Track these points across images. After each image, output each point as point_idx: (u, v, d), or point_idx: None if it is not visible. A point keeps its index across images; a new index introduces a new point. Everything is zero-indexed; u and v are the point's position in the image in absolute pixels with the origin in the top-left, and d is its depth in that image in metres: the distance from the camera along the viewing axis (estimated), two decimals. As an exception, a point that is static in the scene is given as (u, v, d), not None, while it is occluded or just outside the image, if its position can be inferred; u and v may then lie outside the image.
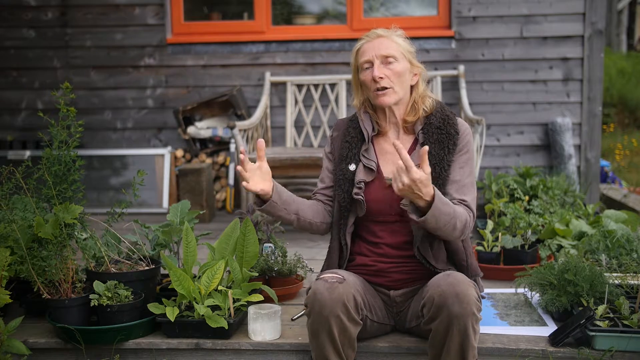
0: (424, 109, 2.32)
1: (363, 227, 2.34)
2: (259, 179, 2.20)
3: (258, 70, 5.08)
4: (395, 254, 2.29)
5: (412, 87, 2.32)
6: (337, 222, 2.37)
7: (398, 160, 1.97)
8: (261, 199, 2.25)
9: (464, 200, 2.22)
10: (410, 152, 2.31)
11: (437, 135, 2.27)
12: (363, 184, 2.28)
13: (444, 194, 2.21)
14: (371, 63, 2.26)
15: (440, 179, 2.23)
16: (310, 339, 2.12)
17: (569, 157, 4.79)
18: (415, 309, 2.26)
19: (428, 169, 1.98)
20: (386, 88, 2.25)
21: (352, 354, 2.14)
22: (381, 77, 2.23)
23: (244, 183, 2.14)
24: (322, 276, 2.13)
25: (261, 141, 2.20)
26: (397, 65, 2.25)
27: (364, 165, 2.31)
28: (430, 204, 2.01)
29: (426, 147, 1.97)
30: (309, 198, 2.45)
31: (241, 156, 2.14)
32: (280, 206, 2.26)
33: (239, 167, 2.15)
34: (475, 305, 2.00)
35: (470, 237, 2.38)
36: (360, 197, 2.27)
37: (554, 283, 2.55)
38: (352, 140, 2.35)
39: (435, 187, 2.03)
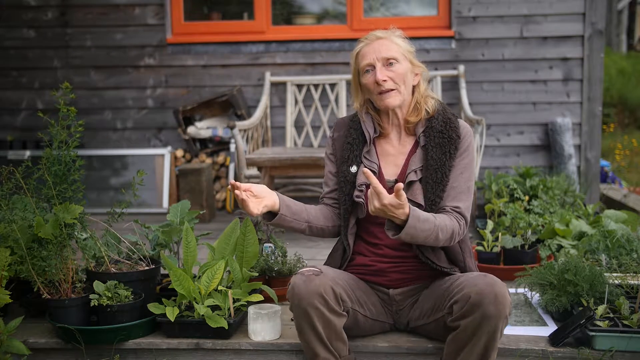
0: (426, 110, 2.31)
1: (363, 228, 2.34)
2: (255, 201, 2.17)
3: (258, 70, 5.08)
4: (395, 254, 2.29)
5: (413, 87, 2.32)
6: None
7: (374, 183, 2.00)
8: (270, 214, 2.25)
9: (457, 208, 2.22)
10: (411, 154, 2.31)
11: (439, 139, 2.26)
12: (364, 186, 2.27)
13: (440, 198, 2.21)
14: (373, 66, 2.24)
15: (441, 184, 2.22)
16: (298, 335, 2.14)
17: (569, 157, 4.79)
18: (425, 308, 2.26)
19: (403, 196, 1.99)
20: (390, 90, 2.24)
21: (344, 347, 2.14)
22: (385, 80, 2.22)
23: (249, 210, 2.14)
24: (300, 271, 2.14)
25: (234, 183, 2.13)
26: (399, 66, 2.24)
27: (366, 167, 2.30)
28: (405, 222, 2.04)
29: (400, 185, 1.98)
30: (309, 198, 2.45)
31: (237, 192, 2.12)
32: (290, 217, 2.26)
33: (244, 201, 2.13)
34: (509, 309, 2.02)
35: (469, 237, 2.38)
36: (361, 200, 2.26)
37: (554, 283, 2.55)
38: (353, 141, 2.34)
39: (411, 207, 2.05)
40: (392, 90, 2.24)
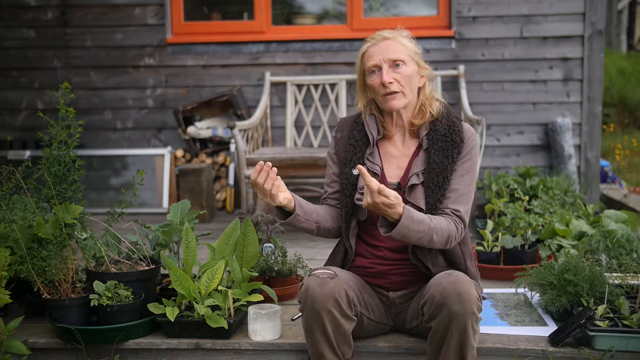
0: (430, 112, 2.28)
1: (364, 229, 2.33)
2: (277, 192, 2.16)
3: (258, 70, 5.08)
4: (395, 257, 2.28)
5: (419, 89, 2.29)
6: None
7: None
8: (282, 212, 2.24)
9: (456, 211, 2.20)
10: (414, 156, 2.29)
11: (442, 143, 2.23)
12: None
13: (441, 202, 2.20)
14: (379, 67, 2.21)
15: (442, 188, 2.20)
16: (305, 335, 2.12)
17: (569, 157, 4.79)
18: (415, 309, 2.25)
19: (393, 195, 2.00)
20: (395, 92, 2.21)
21: (349, 351, 2.14)
22: (391, 82, 2.19)
23: (270, 201, 2.13)
24: (314, 272, 2.13)
25: (268, 164, 2.16)
26: (405, 68, 2.21)
27: (368, 169, 2.27)
28: (397, 221, 2.04)
29: (362, 167, 2.02)
30: (308, 198, 2.45)
31: (264, 172, 2.11)
32: (303, 217, 2.24)
33: (265, 186, 2.12)
34: (476, 305, 2.00)
35: (470, 238, 2.37)
36: (362, 202, 2.24)
37: (554, 283, 2.54)
38: (356, 143, 2.32)
39: (406, 207, 2.05)
40: (398, 92, 2.21)
